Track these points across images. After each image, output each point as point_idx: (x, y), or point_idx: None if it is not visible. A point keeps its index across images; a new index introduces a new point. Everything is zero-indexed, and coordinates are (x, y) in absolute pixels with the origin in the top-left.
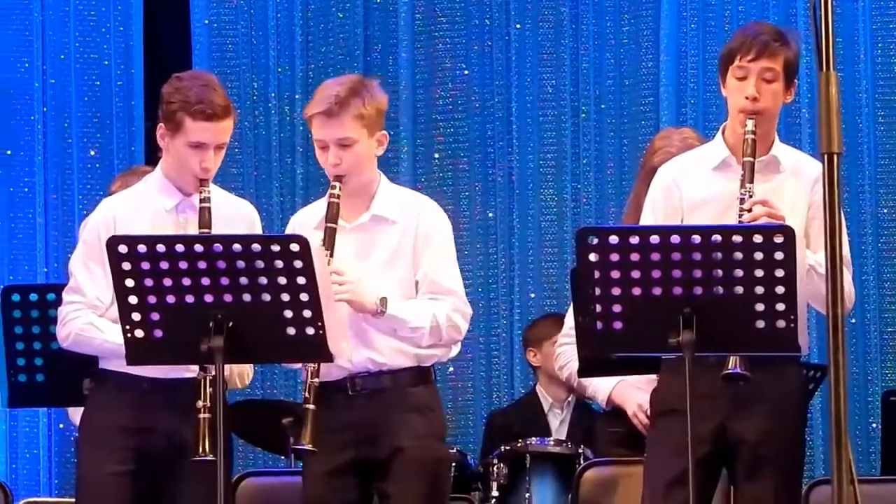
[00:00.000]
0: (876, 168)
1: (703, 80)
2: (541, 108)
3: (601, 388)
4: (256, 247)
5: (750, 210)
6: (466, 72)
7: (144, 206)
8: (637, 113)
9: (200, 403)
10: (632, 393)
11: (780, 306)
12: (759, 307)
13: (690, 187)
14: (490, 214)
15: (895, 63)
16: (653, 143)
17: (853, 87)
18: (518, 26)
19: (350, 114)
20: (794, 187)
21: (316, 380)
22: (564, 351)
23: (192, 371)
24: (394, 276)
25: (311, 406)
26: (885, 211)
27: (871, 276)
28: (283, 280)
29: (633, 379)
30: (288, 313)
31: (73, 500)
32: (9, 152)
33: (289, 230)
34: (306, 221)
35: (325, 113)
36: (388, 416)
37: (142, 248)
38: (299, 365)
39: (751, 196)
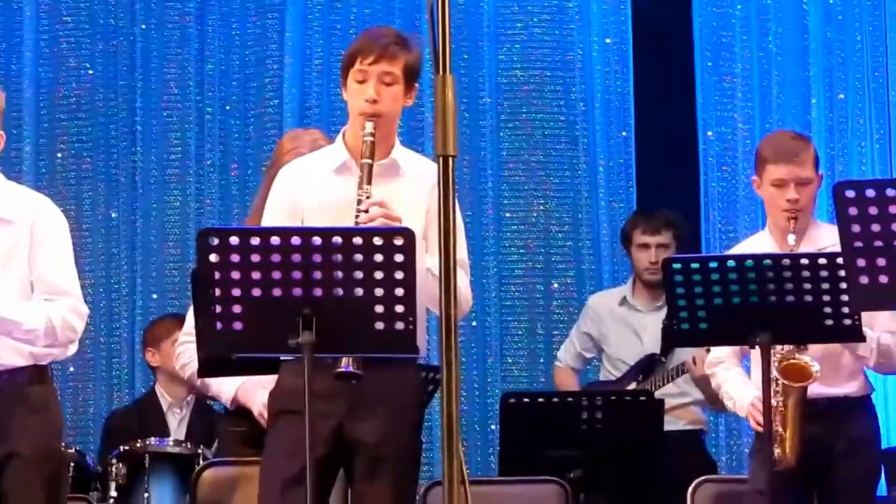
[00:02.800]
0: (499, 172)
1: (327, 83)
2: (165, 109)
3: (225, 388)
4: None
5: (367, 211)
6: (91, 71)
7: None
8: (262, 115)
9: None
10: (256, 392)
11: (400, 308)
12: (379, 309)
13: (311, 189)
14: (113, 214)
15: (517, 68)
16: (282, 144)
17: (476, 92)
18: (143, 27)
19: None
20: (414, 190)
21: None
22: (185, 350)
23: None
24: (9, 276)
25: None
26: (508, 215)
27: (493, 279)
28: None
29: (256, 379)
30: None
31: None
32: None
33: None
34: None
35: None
36: (3, 416)
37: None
38: None
39: (368, 198)
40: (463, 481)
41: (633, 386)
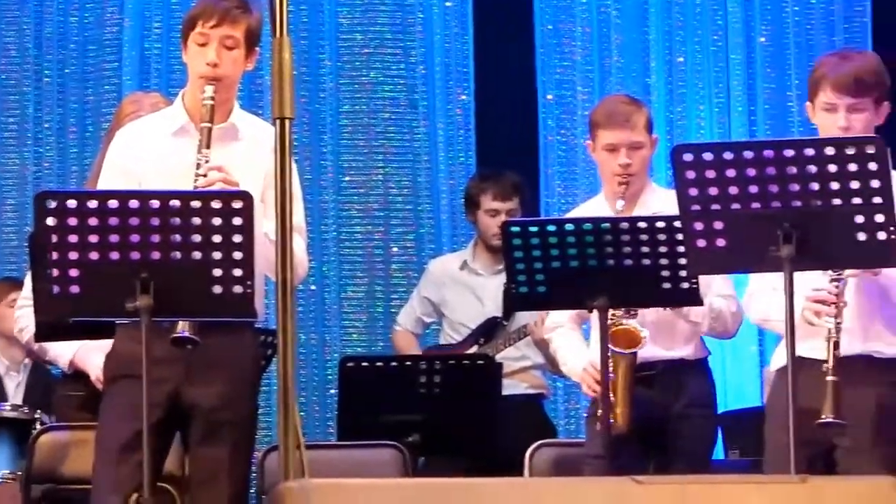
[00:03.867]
0: (338, 135)
1: (167, 46)
2: (3, 72)
3: (63, 351)
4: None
5: (205, 175)
6: None
7: None
8: (100, 78)
9: None
10: (94, 356)
11: (237, 272)
12: (217, 272)
13: (149, 152)
14: None
15: (358, 31)
16: (122, 107)
17: (316, 55)
18: None
19: None
20: (253, 154)
21: None
22: (24, 314)
23: None
24: None
25: None
26: (347, 178)
27: (332, 243)
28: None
29: (95, 343)
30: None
31: None
32: None
33: None
34: None
35: None
36: None
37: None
38: None
39: (207, 162)
40: (299, 446)
41: (474, 349)
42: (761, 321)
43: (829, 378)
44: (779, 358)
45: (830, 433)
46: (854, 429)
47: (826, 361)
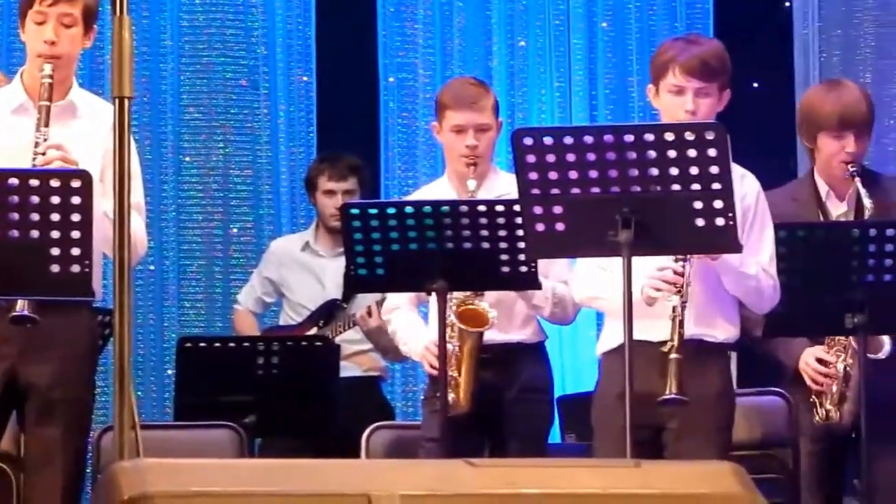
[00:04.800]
0: (179, 115)
1: (7, 24)
2: None
3: None
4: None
5: (44, 154)
6: None
7: None
8: None
9: None
10: None
11: (76, 251)
12: (55, 251)
13: None
14: None
15: (199, 12)
16: None
17: (158, 35)
18: None
19: None
20: (92, 132)
21: None
22: None
23: None
24: None
25: None
26: (187, 159)
27: (171, 223)
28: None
29: None
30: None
31: None
32: None
33: None
34: None
35: None
36: None
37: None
38: None
39: (45, 140)
40: (134, 426)
41: (313, 331)
42: (588, 299)
43: (673, 356)
44: (605, 342)
45: (667, 413)
46: (684, 412)
47: (666, 342)
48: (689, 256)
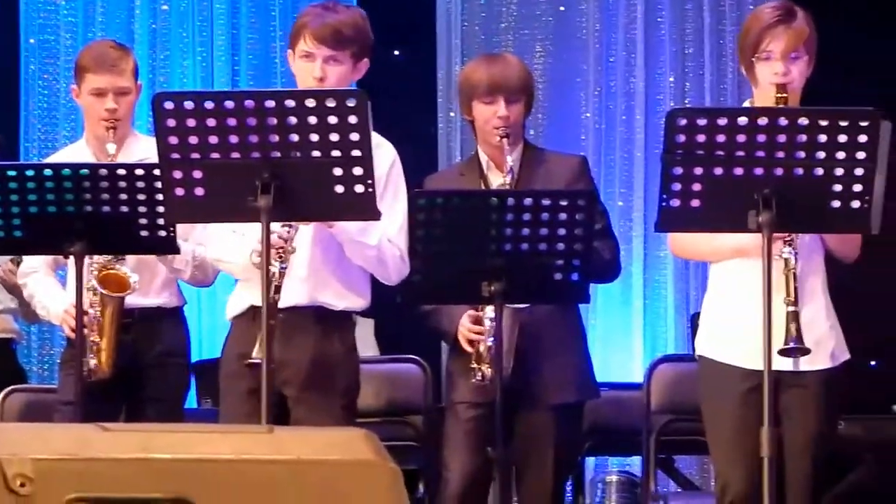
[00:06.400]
0: None
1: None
2: None
3: None
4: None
5: None
6: None
7: None
8: None
9: None
10: None
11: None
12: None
13: None
14: None
15: None
16: None
17: None
18: None
19: None
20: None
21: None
22: None
23: None
24: None
25: None
26: None
27: None
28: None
29: None
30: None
31: None
32: None
33: None
34: None
35: None
36: None
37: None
38: None
39: None
40: None
41: None
42: (215, 261)
43: (271, 322)
44: (233, 306)
45: (282, 379)
46: (298, 379)
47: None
48: (295, 225)
